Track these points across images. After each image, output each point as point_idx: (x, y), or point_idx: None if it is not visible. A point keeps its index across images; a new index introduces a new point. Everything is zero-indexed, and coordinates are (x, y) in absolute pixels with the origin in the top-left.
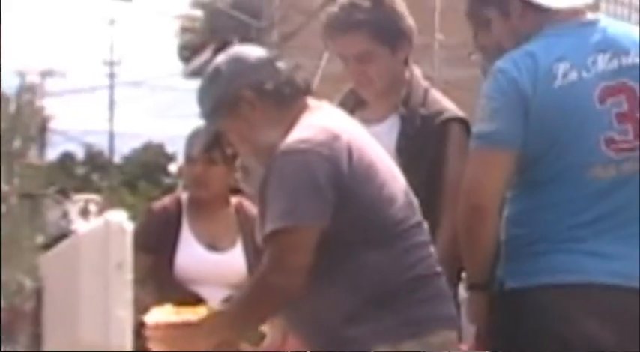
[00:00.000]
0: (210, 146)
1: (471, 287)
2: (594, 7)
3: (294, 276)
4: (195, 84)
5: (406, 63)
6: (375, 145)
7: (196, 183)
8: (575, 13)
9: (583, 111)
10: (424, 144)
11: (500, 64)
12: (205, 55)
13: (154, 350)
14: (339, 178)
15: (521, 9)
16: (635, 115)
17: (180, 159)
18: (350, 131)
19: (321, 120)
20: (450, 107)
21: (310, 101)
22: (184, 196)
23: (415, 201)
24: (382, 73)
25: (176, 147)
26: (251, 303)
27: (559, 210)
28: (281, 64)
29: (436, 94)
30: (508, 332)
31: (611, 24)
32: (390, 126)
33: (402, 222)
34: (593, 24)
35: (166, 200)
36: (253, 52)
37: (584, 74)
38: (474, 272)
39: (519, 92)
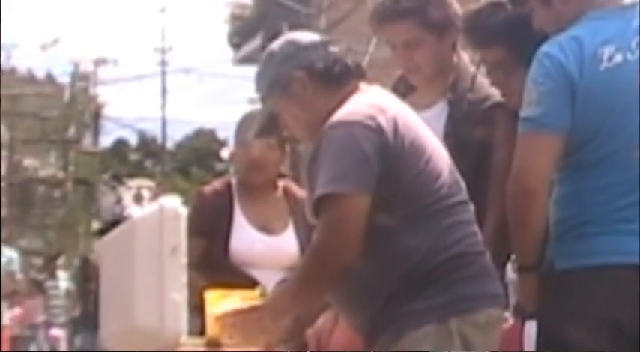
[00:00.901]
0: (266, 128)
1: (520, 269)
2: None
3: (349, 240)
4: (245, 70)
5: (454, 48)
6: (422, 125)
7: (252, 166)
8: None
9: (629, 94)
10: (471, 129)
11: (545, 48)
12: (255, 42)
13: (227, 339)
14: (385, 149)
15: None
16: None
17: (232, 144)
18: (397, 108)
19: (369, 98)
20: (497, 92)
21: (362, 84)
22: (234, 180)
23: (461, 182)
24: (430, 59)
25: (227, 132)
26: (311, 272)
27: (606, 192)
28: (333, 48)
29: (483, 80)
30: (558, 313)
31: None
32: (439, 112)
33: (447, 197)
34: (633, 7)
35: (216, 184)
36: (306, 36)
37: (629, 56)
38: (524, 254)
39: (566, 76)
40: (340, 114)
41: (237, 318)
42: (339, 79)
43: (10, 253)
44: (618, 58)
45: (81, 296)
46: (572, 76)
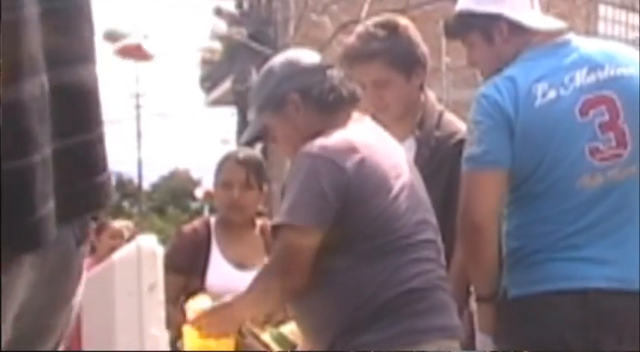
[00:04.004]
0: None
1: (478, 300)
2: (592, 26)
3: (293, 271)
4: (217, 112)
5: (421, 88)
6: (398, 162)
7: (232, 206)
8: (549, 35)
9: (565, 126)
10: (439, 165)
11: (482, 90)
12: (225, 85)
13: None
14: (347, 188)
15: (507, 32)
16: (617, 124)
17: (205, 184)
18: (373, 147)
19: (349, 134)
20: (464, 128)
21: (355, 113)
22: (213, 219)
23: (433, 221)
24: (398, 98)
25: (201, 173)
26: (258, 294)
27: (553, 221)
28: (332, 72)
29: (450, 117)
30: (514, 338)
31: (583, 42)
32: (407, 149)
33: (408, 236)
34: (566, 44)
35: (196, 223)
36: (307, 57)
37: (562, 91)
38: (480, 285)
39: (503, 114)
40: (315, 144)
41: (210, 317)
42: (332, 106)
43: None
44: (552, 94)
45: None
46: (508, 114)
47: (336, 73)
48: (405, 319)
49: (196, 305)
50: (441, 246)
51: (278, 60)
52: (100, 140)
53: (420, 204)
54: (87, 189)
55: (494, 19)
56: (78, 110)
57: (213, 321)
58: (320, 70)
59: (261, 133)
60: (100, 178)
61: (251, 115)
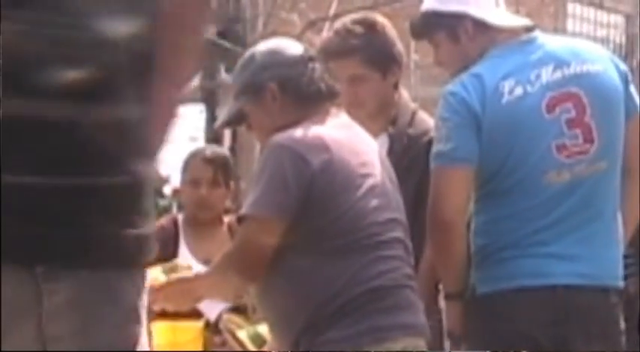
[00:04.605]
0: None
1: (446, 297)
2: (561, 24)
3: (251, 262)
4: (185, 110)
5: (396, 86)
6: (373, 162)
7: (200, 204)
8: (515, 33)
9: (532, 123)
10: (411, 162)
11: (449, 87)
12: (193, 82)
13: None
14: (310, 182)
15: (473, 31)
16: (583, 120)
17: (173, 181)
18: (344, 144)
19: (321, 128)
20: None
21: (332, 108)
22: (180, 217)
23: (403, 220)
24: (373, 95)
25: (169, 170)
26: (216, 280)
27: (521, 218)
28: (313, 65)
29: (423, 115)
30: (481, 335)
31: (549, 39)
32: (380, 145)
33: (377, 234)
34: (532, 41)
35: (163, 220)
36: (291, 48)
37: (529, 88)
38: (448, 282)
39: (470, 111)
40: (285, 135)
41: (169, 289)
42: (310, 99)
43: None
44: (519, 90)
45: None
46: (475, 111)
47: (317, 67)
48: (369, 316)
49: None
50: (409, 244)
51: (262, 47)
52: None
53: (390, 202)
54: None
55: (460, 18)
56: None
57: (171, 294)
58: (301, 62)
59: (236, 118)
60: None
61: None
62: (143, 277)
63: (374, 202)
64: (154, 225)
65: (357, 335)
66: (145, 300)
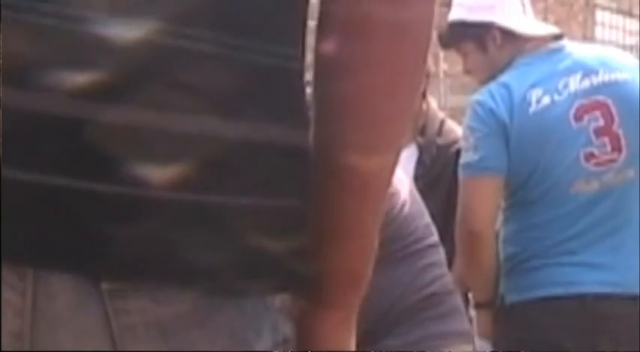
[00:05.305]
0: None
1: (477, 306)
2: (590, 32)
3: None
4: None
5: (423, 95)
6: (399, 169)
7: None
8: (543, 41)
9: (560, 132)
10: (440, 172)
11: (477, 97)
12: None
13: None
14: None
15: (500, 40)
16: (612, 129)
17: None
18: None
19: None
20: None
21: None
22: None
23: (432, 224)
24: None
25: None
26: None
27: (549, 227)
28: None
29: (452, 124)
30: (512, 344)
31: (577, 48)
32: (410, 155)
33: (420, 240)
34: (560, 50)
35: None
36: None
37: (557, 97)
38: (478, 292)
39: (498, 121)
40: None
41: None
42: None
43: None
44: (546, 100)
45: None
46: (503, 121)
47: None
48: (425, 324)
49: None
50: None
51: None
52: None
53: (422, 207)
54: None
55: (487, 27)
56: None
57: None
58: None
59: None
60: None
61: None
62: None
63: (413, 208)
64: None
65: (414, 343)
66: None
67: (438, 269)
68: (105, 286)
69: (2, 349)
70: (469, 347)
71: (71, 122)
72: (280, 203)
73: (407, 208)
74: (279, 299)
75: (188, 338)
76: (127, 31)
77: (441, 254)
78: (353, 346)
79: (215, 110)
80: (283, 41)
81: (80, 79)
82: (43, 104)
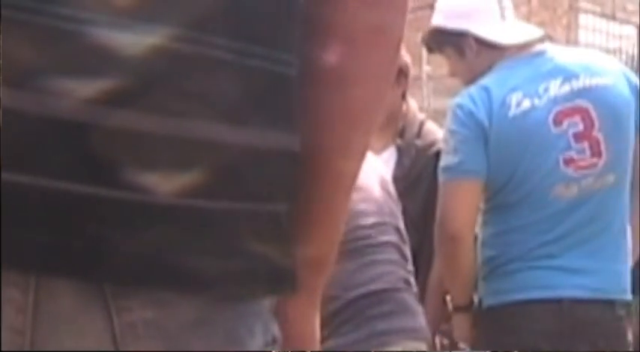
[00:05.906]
0: None
1: (455, 309)
2: (573, 35)
3: None
4: None
5: (403, 97)
6: (368, 169)
7: None
8: (524, 46)
9: (539, 136)
10: (419, 174)
11: (457, 100)
12: None
13: None
14: None
15: (477, 48)
16: (591, 134)
17: None
18: None
19: None
20: None
21: None
22: None
23: (399, 225)
24: None
25: None
26: None
27: (528, 231)
28: None
29: (431, 126)
30: (490, 348)
31: (559, 52)
32: (388, 157)
33: (369, 237)
34: (542, 54)
35: None
36: None
37: (537, 101)
38: (457, 295)
39: (477, 124)
40: None
41: None
42: None
43: None
44: (526, 103)
45: None
46: (482, 124)
47: None
48: (368, 322)
49: None
50: (406, 250)
51: None
52: None
53: (381, 208)
54: None
55: (463, 35)
56: None
57: None
58: None
59: None
60: None
61: None
62: None
63: (369, 206)
64: None
65: (357, 342)
66: None
67: (386, 267)
68: (108, 288)
69: (3, 345)
70: (421, 345)
71: (77, 127)
72: (277, 208)
73: (361, 207)
74: (270, 300)
75: (184, 337)
76: (135, 37)
77: (391, 253)
78: (318, 329)
79: (223, 116)
80: (285, 47)
81: (87, 83)
82: (47, 108)
